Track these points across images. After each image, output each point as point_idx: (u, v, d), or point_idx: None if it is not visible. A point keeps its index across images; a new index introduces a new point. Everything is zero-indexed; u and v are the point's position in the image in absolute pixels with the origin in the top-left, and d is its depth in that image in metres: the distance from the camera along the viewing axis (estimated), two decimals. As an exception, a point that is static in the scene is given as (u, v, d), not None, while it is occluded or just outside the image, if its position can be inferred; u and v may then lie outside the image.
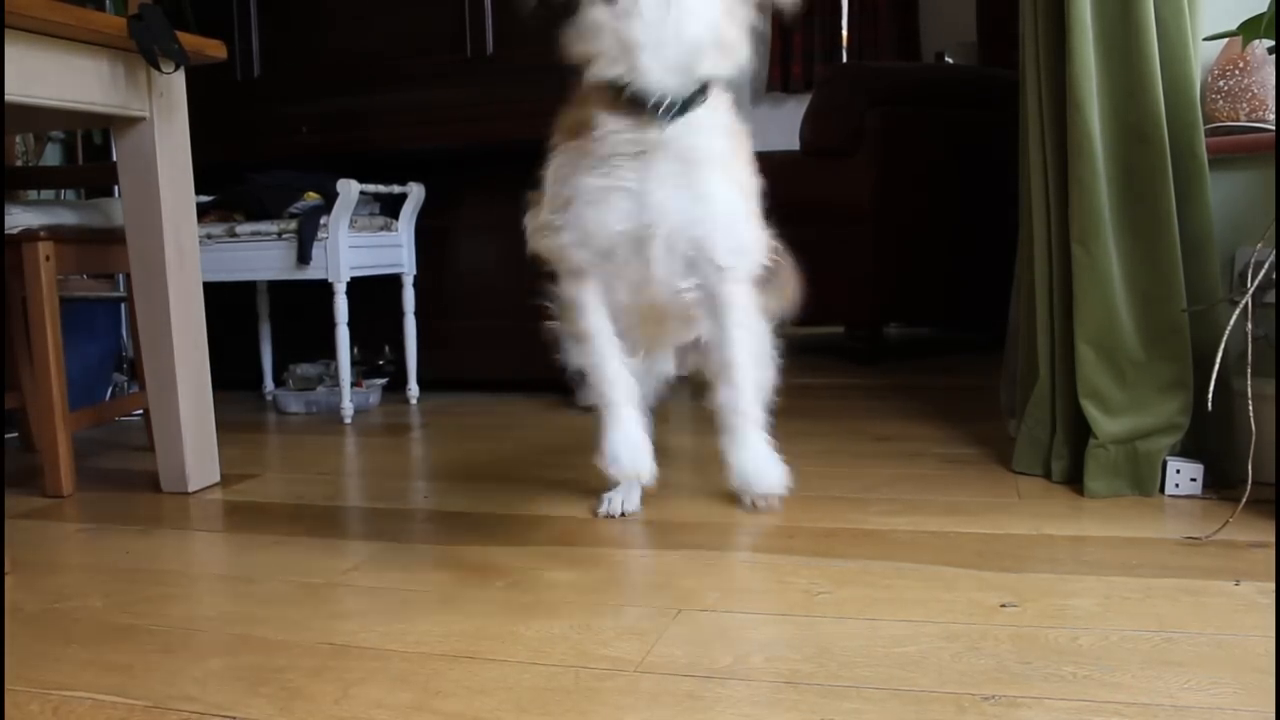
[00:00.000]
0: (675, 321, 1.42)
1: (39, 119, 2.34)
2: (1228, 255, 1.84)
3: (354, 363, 2.92)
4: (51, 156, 3.33)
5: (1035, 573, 1.41)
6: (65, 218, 2.22)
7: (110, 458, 2.47)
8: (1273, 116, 1.83)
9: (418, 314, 3.12)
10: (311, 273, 2.76)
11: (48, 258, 2.04)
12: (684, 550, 1.52)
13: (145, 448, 2.28)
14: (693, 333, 1.45)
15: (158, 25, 1.84)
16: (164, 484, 2.06)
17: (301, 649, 1.23)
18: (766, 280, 1.46)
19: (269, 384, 3.30)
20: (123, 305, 3.11)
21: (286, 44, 3.31)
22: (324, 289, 2.79)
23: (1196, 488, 1.75)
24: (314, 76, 3.22)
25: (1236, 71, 1.85)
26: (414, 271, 3.11)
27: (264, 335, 3.29)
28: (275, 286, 3.22)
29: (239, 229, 2.83)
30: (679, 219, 1.28)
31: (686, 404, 2.28)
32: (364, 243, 2.88)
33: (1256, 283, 1.53)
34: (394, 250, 3.03)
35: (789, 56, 6.62)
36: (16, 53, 1.66)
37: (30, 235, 2.04)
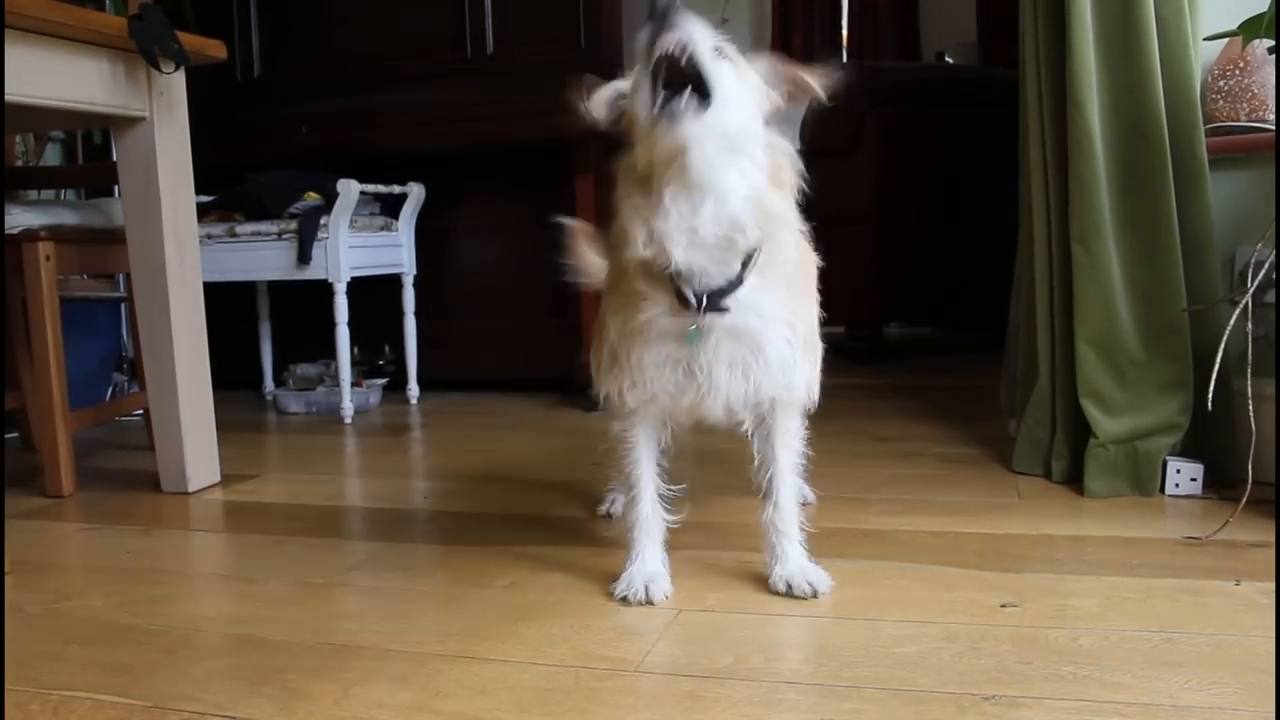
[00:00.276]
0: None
1: (39, 119, 2.34)
2: (1228, 255, 1.84)
3: (354, 363, 2.93)
4: (51, 156, 3.33)
5: (1035, 573, 1.41)
6: (65, 218, 2.22)
7: (110, 458, 2.47)
8: (1273, 116, 1.83)
9: (418, 314, 3.12)
10: (311, 273, 2.76)
11: (48, 258, 2.04)
12: (684, 550, 1.52)
13: (145, 448, 2.28)
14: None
15: (158, 25, 1.84)
16: (164, 484, 2.06)
17: (301, 649, 1.23)
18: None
19: (269, 384, 3.30)
20: (123, 305, 3.11)
21: (286, 44, 3.31)
22: (324, 289, 2.79)
23: (1196, 488, 1.75)
24: (314, 76, 3.22)
25: (1236, 71, 1.85)
26: (414, 271, 3.11)
27: (264, 335, 3.30)
28: (275, 286, 3.22)
29: (239, 229, 2.83)
30: (732, 389, 1.29)
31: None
32: (364, 243, 2.88)
33: (1256, 283, 1.53)
34: (394, 250, 3.03)
35: (789, 56, 6.62)
36: (16, 53, 1.66)
37: (30, 235, 2.04)
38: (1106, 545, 1.53)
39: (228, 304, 2.78)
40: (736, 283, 1.22)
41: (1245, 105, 1.85)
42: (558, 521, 1.77)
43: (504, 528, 1.74)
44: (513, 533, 1.70)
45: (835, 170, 3.57)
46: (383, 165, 3.01)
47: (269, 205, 2.84)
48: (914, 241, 3.58)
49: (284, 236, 2.78)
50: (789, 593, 1.36)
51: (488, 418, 2.87)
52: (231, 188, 2.93)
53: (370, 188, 2.87)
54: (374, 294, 2.96)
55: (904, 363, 3.65)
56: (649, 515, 1.39)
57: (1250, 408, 1.53)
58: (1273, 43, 1.65)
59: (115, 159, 2.02)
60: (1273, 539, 1.49)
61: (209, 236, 2.78)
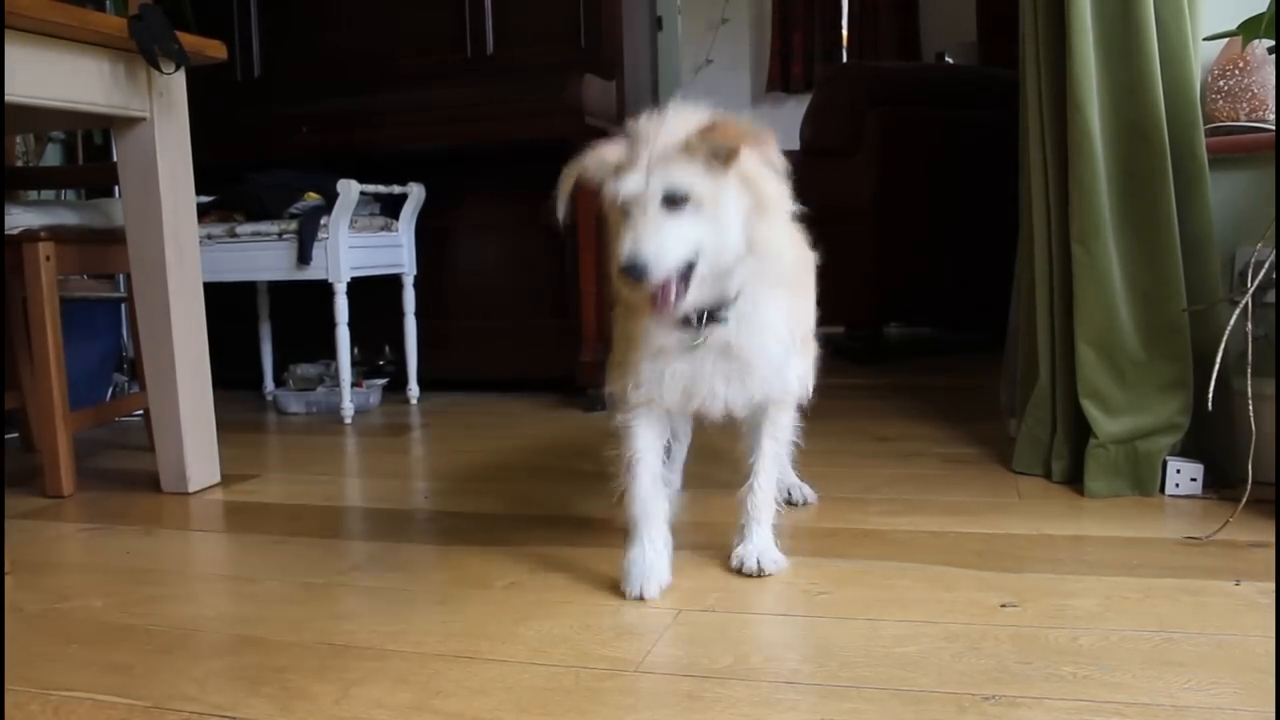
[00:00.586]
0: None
1: (39, 119, 2.34)
2: (1228, 255, 1.84)
3: (354, 363, 2.92)
4: (51, 156, 3.33)
5: (1035, 573, 1.41)
6: (66, 218, 2.22)
7: (110, 458, 2.47)
8: (1273, 116, 1.83)
9: (418, 314, 3.12)
10: (312, 273, 2.76)
11: (48, 258, 2.04)
12: (684, 550, 1.52)
13: (145, 448, 2.28)
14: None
15: (158, 25, 1.84)
16: (164, 484, 2.06)
17: (301, 649, 1.23)
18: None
19: (269, 384, 3.30)
20: (123, 305, 3.11)
21: (286, 44, 3.31)
22: (324, 289, 2.79)
23: (1196, 488, 1.75)
24: (314, 76, 3.22)
25: (1236, 71, 1.85)
26: (414, 271, 3.11)
27: (264, 335, 3.29)
28: (275, 286, 3.22)
29: (239, 229, 2.83)
30: (730, 395, 1.36)
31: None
32: (364, 243, 2.88)
33: (1256, 283, 1.53)
34: (394, 250, 3.03)
35: (789, 56, 6.62)
36: (16, 53, 1.66)
37: (31, 235, 2.04)
38: (1106, 545, 1.53)
39: (228, 304, 2.78)
40: (734, 298, 1.29)
41: (1245, 105, 1.85)
42: (558, 521, 1.77)
43: (504, 527, 1.74)
44: (512, 532, 1.70)
45: (835, 170, 3.57)
46: (383, 165, 3.01)
47: (269, 205, 2.84)
48: (914, 241, 3.58)
49: (284, 237, 2.78)
50: (739, 570, 1.43)
51: (488, 418, 2.87)
52: (231, 188, 2.93)
53: (370, 188, 2.87)
54: (374, 294, 2.96)
55: (904, 363, 3.65)
56: (652, 498, 1.40)
57: (1250, 408, 1.53)
58: (1273, 43, 1.65)
59: (115, 159, 2.02)
60: (1273, 539, 1.49)
61: (209, 236, 2.78)
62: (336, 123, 3.01)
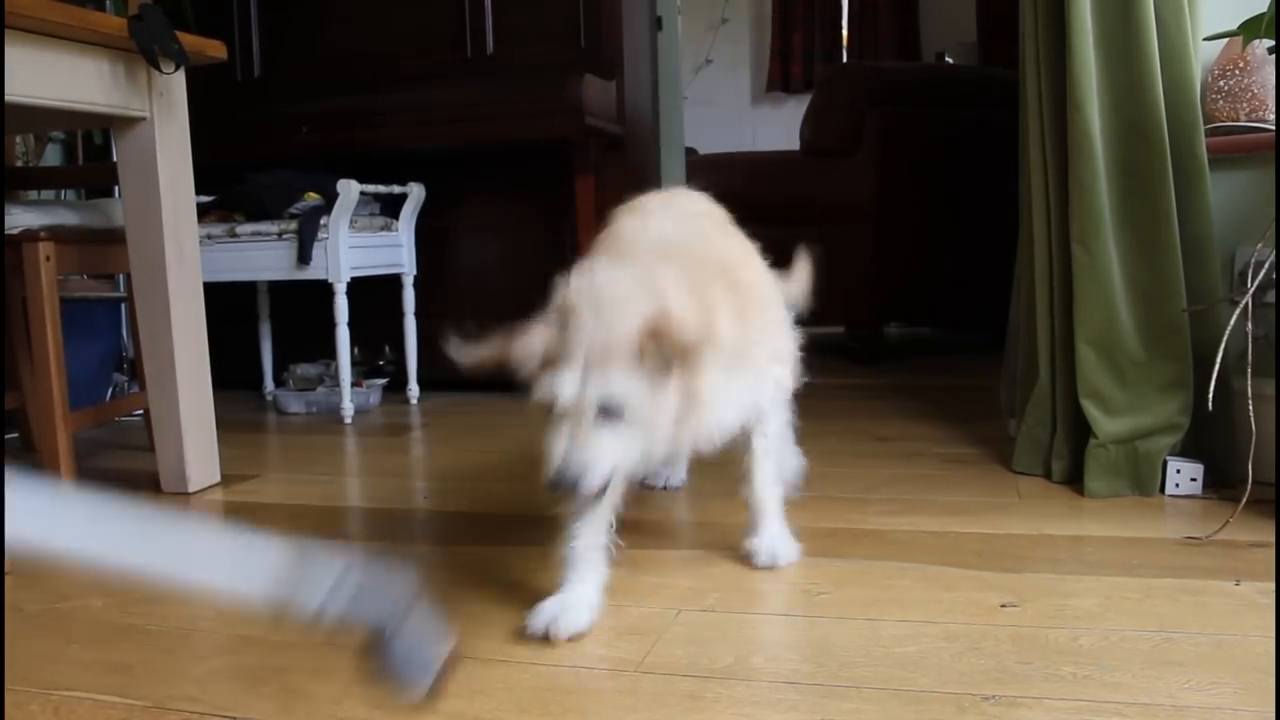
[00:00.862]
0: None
1: (39, 119, 2.34)
2: (1228, 255, 1.84)
3: (354, 363, 2.92)
4: (51, 156, 3.33)
5: (1035, 573, 1.41)
6: (66, 218, 2.21)
7: (110, 458, 2.47)
8: (1273, 116, 1.83)
9: (418, 314, 3.12)
10: (311, 273, 2.76)
11: (48, 258, 2.04)
12: (684, 550, 1.51)
13: (145, 448, 2.28)
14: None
15: (158, 25, 1.84)
16: (164, 484, 2.06)
17: (301, 649, 1.23)
18: (785, 274, 1.56)
19: (269, 384, 3.30)
20: (123, 305, 3.11)
21: (286, 44, 3.31)
22: (324, 289, 2.79)
23: (1196, 488, 1.75)
24: (314, 76, 3.22)
25: (1236, 71, 1.85)
26: (414, 271, 3.11)
27: (264, 335, 3.29)
28: (275, 286, 3.22)
29: (239, 229, 2.83)
30: (715, 432, 1.31)
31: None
32: (364, 243, 2.88)
33: (1256, 283, 1.53)
34: (394, 250, 3.03)
35: (789, 56, 6.62)
36: (16, 53, 1.66)
37: (31, 235, 2.03)
38: (1106, 545, 1.53)
39: (228, 304, 2.77)
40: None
41: (1245, 105, 1.85)
42: (558, 521, 1.77)
43: (504, 528, 1.74)
44: (513, 533, 1.70)
45: (835, 170, 3.57)
46: (383, 165, 3.01)
47: (269, 205, 2.84)
48: (914, 241, 3.58)
49: (284, 236, 2.78)
50: (751, 560, 1.44)
51: (488, 418, 2.87)
52: (231, 188, 2.93)
53: (370, 188, 2.87)
54: (374, 294, 2.96)
55: (904, 363, 3.65)
56: (591, 548, 1.33)
57: (1250, 408, 1.53)
58: (1273, 43, 1.65)
59: (115, 159, 2.02)
60: (1273, 539, 1.49)
61: (209, 236, 2.78)
62: (336, 122, 3.01)
